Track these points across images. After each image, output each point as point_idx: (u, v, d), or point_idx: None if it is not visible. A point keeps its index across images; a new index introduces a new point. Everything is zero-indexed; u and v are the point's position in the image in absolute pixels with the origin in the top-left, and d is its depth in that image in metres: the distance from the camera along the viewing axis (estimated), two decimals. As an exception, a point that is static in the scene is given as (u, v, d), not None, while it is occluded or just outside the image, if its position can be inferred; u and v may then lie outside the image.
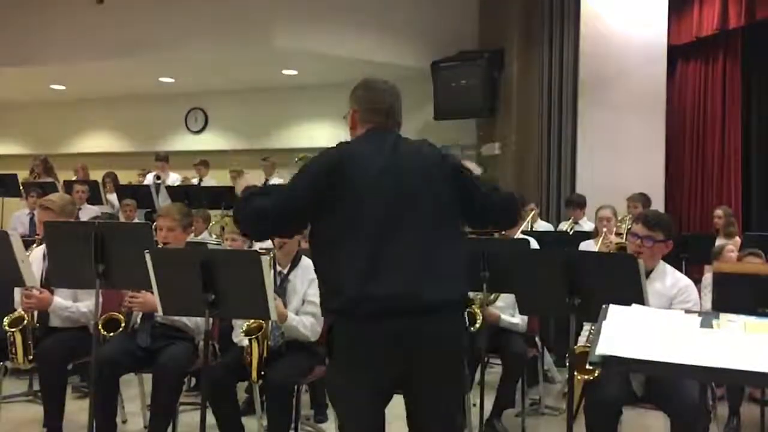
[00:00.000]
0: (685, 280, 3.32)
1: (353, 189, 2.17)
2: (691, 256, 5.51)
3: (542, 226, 7.02)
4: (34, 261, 3.75)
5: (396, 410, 3.33)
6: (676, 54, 8.19)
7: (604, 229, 5.62)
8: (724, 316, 1.91)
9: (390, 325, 2.10)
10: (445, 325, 2.16)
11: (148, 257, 2.97)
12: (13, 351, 3.56)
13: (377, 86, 2.46)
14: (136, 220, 7.52)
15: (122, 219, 7.79)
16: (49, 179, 8.85)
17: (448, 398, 2.26)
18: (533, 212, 6.66)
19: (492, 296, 4.25)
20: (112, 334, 3.56)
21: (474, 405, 3.99)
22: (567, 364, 3.22)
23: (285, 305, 3.55)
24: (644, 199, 6.59)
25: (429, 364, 2.16)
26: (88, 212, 7.75)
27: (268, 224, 2.28)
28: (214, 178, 9.53)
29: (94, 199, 8.20)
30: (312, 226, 2.27)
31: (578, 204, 6.88)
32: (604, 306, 2.20)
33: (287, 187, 2.32)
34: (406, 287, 2.11)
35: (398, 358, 2.13)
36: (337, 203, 2.18)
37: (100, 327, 3.47)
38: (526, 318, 4.23)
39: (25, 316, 3.59)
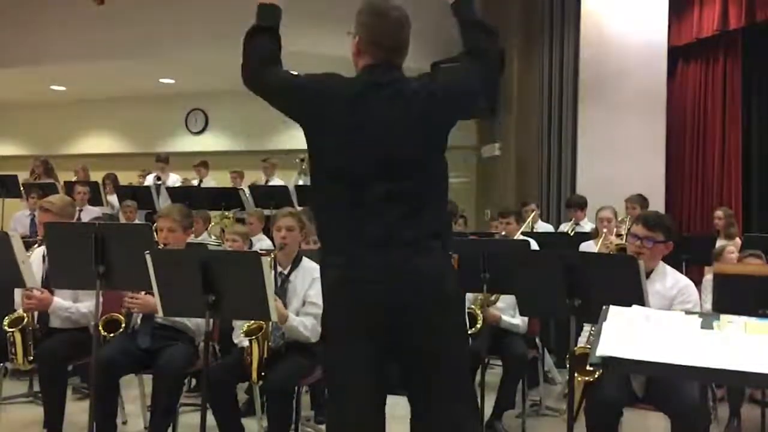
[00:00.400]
0: (685, 281, 3.32)
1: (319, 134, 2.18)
2: (691, 257, 5.51)
3: (543, 227, 7.03)
4: (34, 262, 3.75)
5: (396, 411, 3.33)
6: (676, 55, 8.20)
7: (605, 230, 5.62)
8: (725, 317, 1.91)
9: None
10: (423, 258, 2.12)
11: (148, 258, 2.97)
12: (13, 351, 3.56)
13: (383, 13, 2.29)
14: (136, 221, 7.52)
15: (123, 220, 7.80)
16: (50, 180, 8.85)
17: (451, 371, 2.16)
18: (534, 213, 6.67)
19: (492, 297, 4.25)
20: (112, 334, 3.56)
21: (474, 406, 3.99)
22: (567, 365, 3.22)
23: (285, 306, 3.55)
24: (642, 201, 6.59)
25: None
26: (89, 213, 7.76)
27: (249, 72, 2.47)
28: (214, 179, 9.54)
29: (95, 200, 8.20)
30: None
31: (579, 205, 6.89)
32: (604, 307, 2.20)
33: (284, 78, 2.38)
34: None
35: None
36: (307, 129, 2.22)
37: (100, 328, 3.46)
38: (526, 319, 4.23)
39: (26, 316, 3.59)
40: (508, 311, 4.29)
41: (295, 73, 2.33)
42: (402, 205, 2.12)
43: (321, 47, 8.66)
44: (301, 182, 8.56)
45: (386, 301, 2.08)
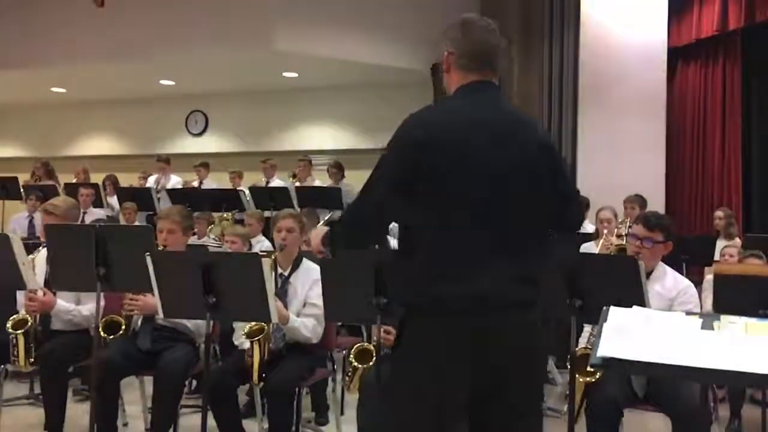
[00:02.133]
0: (685, 282, 3.32)
1: (441, 173, 1.92)
2: (691, 258, 5.51)
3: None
4: (39, 264, 3.76)
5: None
6: (676, 55, 8.20)
7: (605, 231, 5.62)
8: (725, 318, 1.91)
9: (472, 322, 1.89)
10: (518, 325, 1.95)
11: (148, 260, 2.97)
12: (15, 353, 3.56)
13: (478, 25, 2.14)
14: (136, 223, 7.52)
15: (123, 222, 7.80)
16: (50, 182, 8.86)
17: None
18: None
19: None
20: (112, 336, 3.56)
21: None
22: (568, 366, 3.22)
23: (286, 307, 3.54)
24: (641, 201, 6.59)
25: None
26: (92, 215, 7.77)
27: (366, 234, 2.12)
28: (214, 181, 9.54)
29: (96, 202, 8.21)
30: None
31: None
32: (604, 308, 2.20)
33: (368, 191, 2.03)
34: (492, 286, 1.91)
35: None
36: (422, 186, 1.93)
37: (100, 330, 3.46)
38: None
39: (30, 319, 3.59)
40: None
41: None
42: None
43: (324, 49, 8.66)
44: (297, 184, 8.56)
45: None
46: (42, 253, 3.87)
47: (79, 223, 4.16)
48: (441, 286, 1.89)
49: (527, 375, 1.97)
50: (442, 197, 1.91)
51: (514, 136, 1.99)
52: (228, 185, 9.08)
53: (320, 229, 2.18)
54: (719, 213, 6.80)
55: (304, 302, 3.63)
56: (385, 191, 1.96)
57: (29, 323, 3.58)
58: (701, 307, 3.51)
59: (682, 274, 3.58)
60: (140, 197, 8.28)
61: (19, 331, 3.55)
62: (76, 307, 3.76)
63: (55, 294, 3.70)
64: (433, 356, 1.89)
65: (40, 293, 3.61)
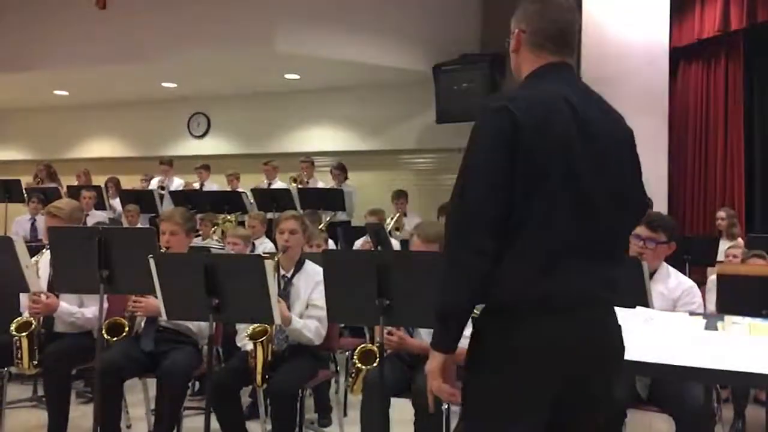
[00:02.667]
0: (688, 283, 3.32)
1: (536, 161, 1.70)
2: (693, 258, 5.50)
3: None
4: (42, 266, 3.76)
5: (400, 414, 3.32)
6: (677, 55, 8.19)
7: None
8: (729, 318, 1.91)
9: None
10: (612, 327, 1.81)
11: (151, 262, 2.98)
12: (19, 356, 3.57)
13: (555, 2, 1.89)
14: (139, 225, 7.53)
15: (125, 224, 7.81)
16: (53, 185, 8.88)
17: None
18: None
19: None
20: (115, 339, 3.56)
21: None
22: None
23: (289, 309, 3.54)
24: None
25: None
26: (95, 218, 7.78)
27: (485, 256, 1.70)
28: (216, 183, 9.55)
29: (99, 204, 8.22)
30: None
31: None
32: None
33: (468, 196, 1.71)
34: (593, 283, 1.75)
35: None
36: (523, 176, 1.70)
37: (103, 332, 3.47)
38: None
39: (33, 321, 3.60)
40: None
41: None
42: None
43: (328, 51, 8.66)
44: (300, 187, 8.57)
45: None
46: (46, 256, 3.88)
47: (81, 225, 4.15)
48: (549, 281, 1.70)
49: (616, 375, 1.84)
50: (546, 186, 1.70)
51: (607, 125, 1.87)
52: (227, 188, 9.10)
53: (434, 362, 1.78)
54: (721, 213, 6.79)
55: (306, 304, 3.63)
56: (487, 191, 1.69)
57: (33, 326, 3.58)
58: (704, 308, 3.51)
59: (684, 274, 3.57)
60: (143, 199, 8.30)
61: (22, 334, 3.55)
62: (79, 309, 3.77)
63: (58, 296, 3.70)
64: (538, 356, 1.69)
65: (43, 296, 3.61)
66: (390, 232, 7.11)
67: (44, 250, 3.92)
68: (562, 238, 1.70)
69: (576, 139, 1.74)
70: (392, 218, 7.71)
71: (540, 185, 1.69)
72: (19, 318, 3.63)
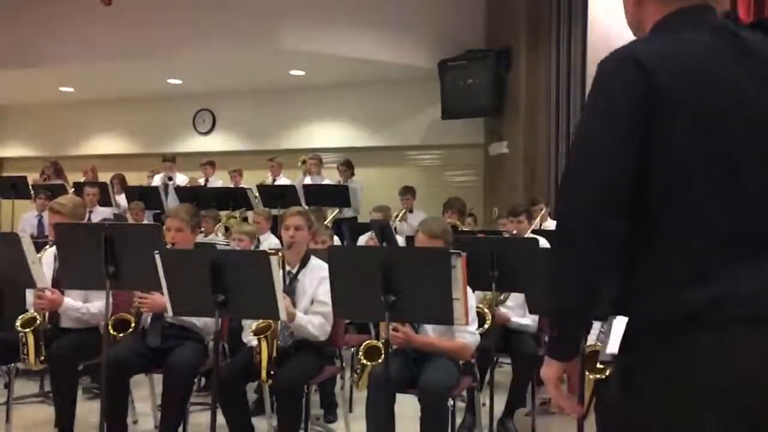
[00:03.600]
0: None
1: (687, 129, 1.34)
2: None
3: (552, 225, 7.00)
4: (46, 262, 3.77)
5: (405, 410, 3.32)
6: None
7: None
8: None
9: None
10: None
11: (157, 258, 2.98)
12: (26, 352, 3.58)
13: None
14: (144, 222, 7.55)
15: (130, 221, 7.83)
16: (59, 181, 8.90)
17: None
18: (543, 211, 6.65)
19: (502, 296, 4.24)
20: (122, 334, 3.57)
21: (483, 405, 3.99)
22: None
23: (294, 305, 3.55)
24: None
25: None
26: (99, 214, 7.80)
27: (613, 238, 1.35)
28: (220, 179, 9.56)
29: (104, 201, 8.24)
30: None
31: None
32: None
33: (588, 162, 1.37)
34: None
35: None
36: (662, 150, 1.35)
37: (110, 328, 3.48)
38: (536, 318, 4.22)
39: (38, 316, 3.61)
40: (517, 310, 4.28)
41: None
42: None
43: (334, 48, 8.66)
44: (308, 181, 8.57)
45: None
46: (48, 252, 3.89)
47: (84, 221, 4.17)
48: (711, 288, 1.32)
49: None
50: (694, 163, 1.34)
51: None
52: (230, 185, 9.11)
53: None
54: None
55: (311, 299, 3.63)
56: (625, 156, 1.33)
57: (38, 321, 3.60)
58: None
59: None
60: (148, 196, 8.31)
61: (28, 330, 3.56)
62: (85, 304, 3.78)
63: (63, 292, 3.71)
64: (709, 382, 1.30)
65: (47, 291, 3.62)
66: (395, 228, 7.11)
67: (46, 247, 3.94)
68: (717, 228, 1.34)
69: (732, 95, 1.37)
70: (397, 215, 7.72)
71: (684, 161, 1.34)
72: (24, 314, 3.65)
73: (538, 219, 6.31)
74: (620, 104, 1.36)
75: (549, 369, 1.48)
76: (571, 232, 1.37)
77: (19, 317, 3.62)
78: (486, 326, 3.93)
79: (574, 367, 1.48)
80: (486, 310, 3.98)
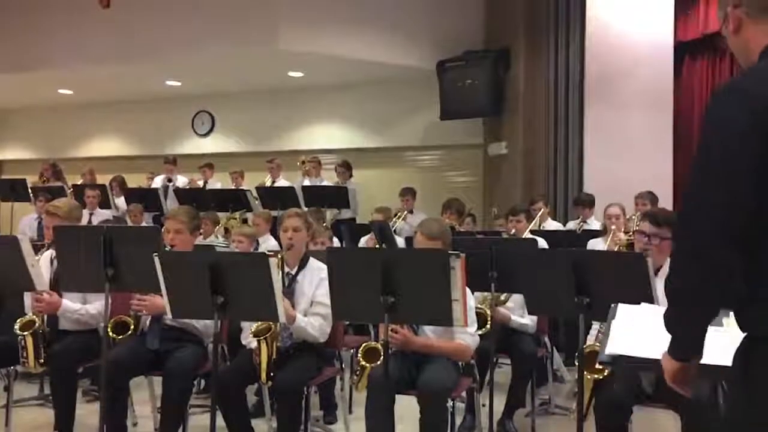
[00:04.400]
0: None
1: None
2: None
3: (551, 225, 7.02)
4: (42, 265, 3.77)
5: (405, 411, 3.32)
6: (682, 51, 8.16)
7: (613, 227, 5.61)
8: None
9: None
10: None
11: (156, 260, 2.98)
12: (25, 355, 3.58)
13: None
14: (143, 224, 7.54)
15: (129, 223, 7.83)
16: (58, 184, 8.90)
17: None
18: (542, 211, 6.66)
19: (503, 297, 4.24)
20: (121, 337, 3.57)
21: (483, 405, 3.99)
22: (577, 363, 3.21)
23: (293, 306, 3.55)
24: (652, 197, 6.56)
25: None
26: (99, 216, 7.80)
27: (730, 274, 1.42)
28: (220, 181, 9.56)
29: (103, 203, 8.24)
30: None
31: (586, 203, 6.88)
32: (612, 305, 2.19)
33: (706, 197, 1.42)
34: None
35: None
36: None
37: (109, 330, 3.48)
38: (535, 318, 4.22)
39: (37, 320, 3.61)
40: (517, 311, 4.28)
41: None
42: None
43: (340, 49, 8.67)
44: (306, 182, 8.57)
45: None
46: (46, 254, 3.90)
47: (84, 223, 4.17)
48: None
49: None
50: None
51: None
52: (231, 186, 9.11)
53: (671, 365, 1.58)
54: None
55: (311, 301, 3.63)
56: (745, 192, 1.37)
57: (36, 324, 3.59)
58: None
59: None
60: (147, 198, 8.31)
61: (26, 333, 3.56)
62: (83, 306, 3.78)
63: (61, 295, 3.71)
64: None
65: (45, 294, 3.62)
66: (395, 229, 7.11)
67: (43, 250, 3.94)
68: None
69: None
70: (397, 216, 7.72)
71: None
72: (22, 317, 3.64)
73: (537, 219, 6.32)
74: (732, 149, 1.38)
75: (669, 365, 1.58)
76: (694, 276, 1.44)
77: (18, 320, 3.62)
78: (487, 327, 3.93)
79: (695, 366, 1.56)
80: (487, 311, 3.97)
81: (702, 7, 7.85)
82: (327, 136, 10.75)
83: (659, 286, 3.11)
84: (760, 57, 1.47)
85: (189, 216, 3.85)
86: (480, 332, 3.63)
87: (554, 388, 4.68)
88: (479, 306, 4.03)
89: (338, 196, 8.09)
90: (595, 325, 3.43)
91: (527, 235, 5.38)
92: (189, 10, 8.62)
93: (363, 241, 6.73)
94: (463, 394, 3.78)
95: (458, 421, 3.88)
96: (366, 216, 7.69)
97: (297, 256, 3.73)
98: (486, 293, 4.03)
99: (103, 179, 9.46)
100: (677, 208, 7.43)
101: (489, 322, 3.94)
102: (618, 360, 1.86)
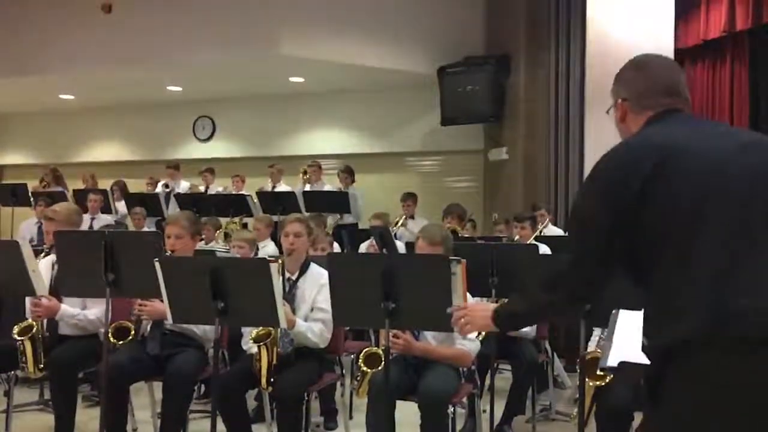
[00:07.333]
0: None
1: (688, 185, 1.61)
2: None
3: (553, 231, 7.01)
4: (42, 270, 3.76)
5: (405, 417, 3.32)
6: (683, 56, 8.17)
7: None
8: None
9: None
10: None
11: (157, 265, 2.98)
12: (24, 360, 3.58)
13: (653, 62, 1.90)
14: (145, 229, 7.55)
15: (132, 228, 7.83)
16: (59, 188, 8.90)
17: None
18: (544, 217, 6.66)
19: (499, 303, 4.23)
20: (122, 342, 3.56)
21: (484, 411, 3.98)
22: (577, 369, 3.21)
23: (294, 312, 3.55)
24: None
25: None
26: (101, 221, 7.81)
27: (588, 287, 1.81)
28: (221, 186, 9.56)
29: (104, 207, 8.25)
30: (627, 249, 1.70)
31: (587, 208, 6.86)
32: (613, 311, 2.19)
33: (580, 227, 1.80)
34: None
35: None
36: (661, 209, 1.63)
37: (110, 335, 3.47)
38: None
39: (35, 324, 3.60)
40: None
41: None
42: None
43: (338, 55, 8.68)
44: (308, 188, 8.57)
45: None
46: (46, 259, 3.89)
47: (85, 228, 4.17)
48: (735, 306, 1.49)
49: None
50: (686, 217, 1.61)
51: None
52: (232, 190, 9.11)
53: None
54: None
55: (311, 307, 3.63)
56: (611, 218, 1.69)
57: (35, 329, 3.59)
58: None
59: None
60: (148, 203, 8.31)
61: (25, 337, 3.56)
62: (82, 311, 3.77)
63: (60, 299, 3.70)
64: (737, 409, 1.46)
65: (44, 299, 3.62)
66: (396, 234, 7.11)
67: (41, 255, 3.94)
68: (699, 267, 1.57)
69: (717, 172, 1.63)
70: (398, 221, 7.72)
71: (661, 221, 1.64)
72: (21, 322, 3.64)
73: (540, 225, 6.32)
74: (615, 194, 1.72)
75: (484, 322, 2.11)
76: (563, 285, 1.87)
77: (16, 325, 3.61)
78: (483, 334, 3.91)
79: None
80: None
81: (702, 14, 7.86)
82: (327, 141, 10.76)
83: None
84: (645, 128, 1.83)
85: (189, 221, 3.85)
86: (479, 338, 3.62)
87: (555, 393, 4.67)
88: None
89: (339, 201, 8.09)
90: (597, 331, 3.43)
91: (531, 241, 5.37)
92: (190, 15, 8.64)
93: (363, 247, 6.73)
94: (464, 399, 3.78)
95: (458, 426, 3.87)
96: (367, 222, 7.69)
97: (298, 262, 3.73)
98: (483, 299, 4.02)
99: (103, 184, 9.47)
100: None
101: (486, 329, 3.93)
102: (620, 366, 1.85)
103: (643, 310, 1.70)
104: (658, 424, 1.60)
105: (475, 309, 2.17)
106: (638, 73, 1.88)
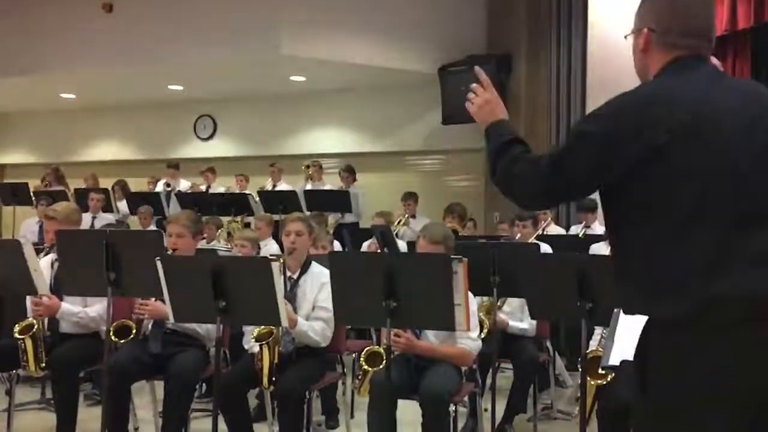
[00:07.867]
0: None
1: (695, 154, 1.56)
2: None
3: (554, 230, 7.01)
4: (42, 269, 3.77)
5: (407, 416, 3.32)
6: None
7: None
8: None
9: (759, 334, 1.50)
10: None
11: (159, 264, 2.98)
12: (25, 359, 3.58)
13: None
14: (151, 227, 7.55)
15: (138, 226, 7.84)
16: (60, 188, 8.91)
17: None
18: (549, 219, 6.68)
19: (498, 302, 4.23)
20: (123, 341, 3.57)
21: (485, 410, 3.98)
22: (579, 368, 3.21)
23: (295, 310, 3.55)
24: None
25: None
26: (102, 220, 7.81)
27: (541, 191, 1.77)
28: (222, 185, 9.57)
29: (105, 207, 8.26)
30: (615, 197, 1.67)
31: (590, 208, 6.86)
32: (615, 310, 2.19)
33: (565, 155, 1.74)
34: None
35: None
36: (659, 172, 1.57)
37: (111, 334, 3.47)
38: (534, 322, 4.21)
39: (36, 323, 3.61)
40: (514, 315, 4.28)
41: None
42: None
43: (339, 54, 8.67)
44: (309, 187, 8.58)
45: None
46: (46, 258, 3.90)
47: (86, 227, 4.18)
48: (714, 286, 1.51)
49: None
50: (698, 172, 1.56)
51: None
52: (235, 189, 9.11)
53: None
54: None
55: (313, 305, 3.63)
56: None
57: (35, 328, 3.59)
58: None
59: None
60: (149, 202, 8.31)
61: (25, 336, 3.56)
62: (83, 309, 3.77)
63: (61, 298, 3.71)
64: (715, 385, 1.49)
65: (44, 298, 3.62)
66: (397, 233, 7.11)
67: (42, 254, 3.94)
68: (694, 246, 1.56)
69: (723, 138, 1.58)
70: (399, 220, 7.72)
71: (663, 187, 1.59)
72: (21, 321, 3.64)
73: (542, 224, 6.32)
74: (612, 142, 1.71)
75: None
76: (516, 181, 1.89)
77: (17, 324, 3.61)
78: (484, 333, 3.92)
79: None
80: (482, 316, 3.96)
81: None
82: (328, 140, 10.75)
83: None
84: (654, 77, 1.74)
85: (190, 220, 3.85)
86: (480, 337, 3.62)
87: (556, 392, 4.67)
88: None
89: (340, 201, 8.09)
90: (598, 330, 3.43)
91: (533, 240, 5.37)
92: (191, 14, 8.64)
93: (365, 246, 6.73)
94: (465, 398, 3.78)
95: (460, 425, 3.87)
96: (368, 220, 7.68)
97: (299, 261, 3.73)
98: (481, 298, 4.02)
99: (105, 183, 9.47)
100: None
101: (485, 328, 3.92)
102: (621, 365, 1.86)
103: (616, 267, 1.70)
104: (644, 409, 1.60)
105: (492, 102, 2.08)
106: (674, 4, 1.70)
